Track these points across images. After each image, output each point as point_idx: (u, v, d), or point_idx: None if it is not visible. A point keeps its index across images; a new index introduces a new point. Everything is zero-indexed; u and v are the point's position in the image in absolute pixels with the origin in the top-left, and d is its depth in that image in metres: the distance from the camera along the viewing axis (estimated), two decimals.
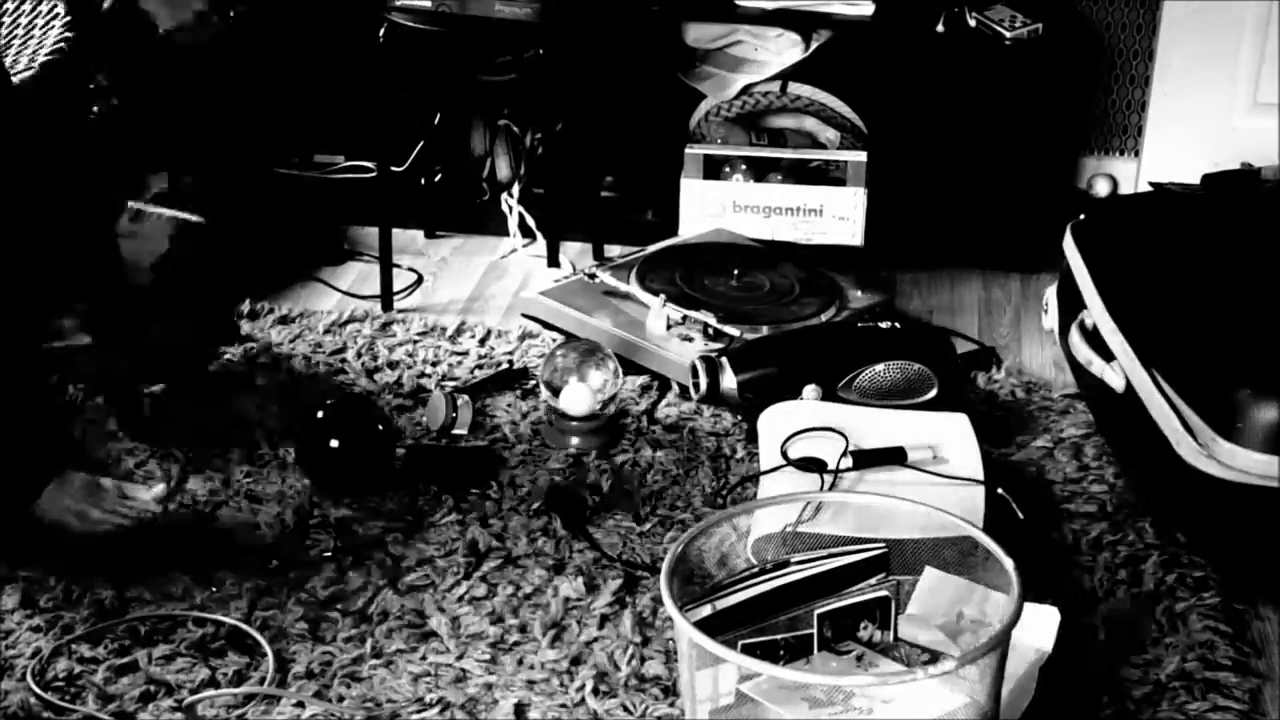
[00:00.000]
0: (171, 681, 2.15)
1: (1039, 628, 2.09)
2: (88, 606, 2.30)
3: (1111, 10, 3.69)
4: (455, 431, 2.75)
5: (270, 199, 3.64)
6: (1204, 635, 2.26)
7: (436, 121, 3.59)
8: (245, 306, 3.18)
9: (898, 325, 2.92)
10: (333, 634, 2.26)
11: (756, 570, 2.03)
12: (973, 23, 3.46)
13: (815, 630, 1.99)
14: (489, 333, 3.14)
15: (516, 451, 2.72)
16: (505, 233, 3.58)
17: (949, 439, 2.52)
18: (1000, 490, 2.42)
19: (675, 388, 2.90)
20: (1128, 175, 3.78)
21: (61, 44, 2.99)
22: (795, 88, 3.56)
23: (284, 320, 3.17)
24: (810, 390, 2.70)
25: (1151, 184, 3.67)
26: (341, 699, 2.14)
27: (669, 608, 1.84)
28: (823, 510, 2.26)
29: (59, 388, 2.88)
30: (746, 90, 3.56)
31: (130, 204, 2.89)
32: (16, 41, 3.06)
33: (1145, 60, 3.71)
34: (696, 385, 2.78)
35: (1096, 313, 2.66)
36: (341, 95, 3.64)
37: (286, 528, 2.49)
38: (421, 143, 3.59)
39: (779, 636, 1.97)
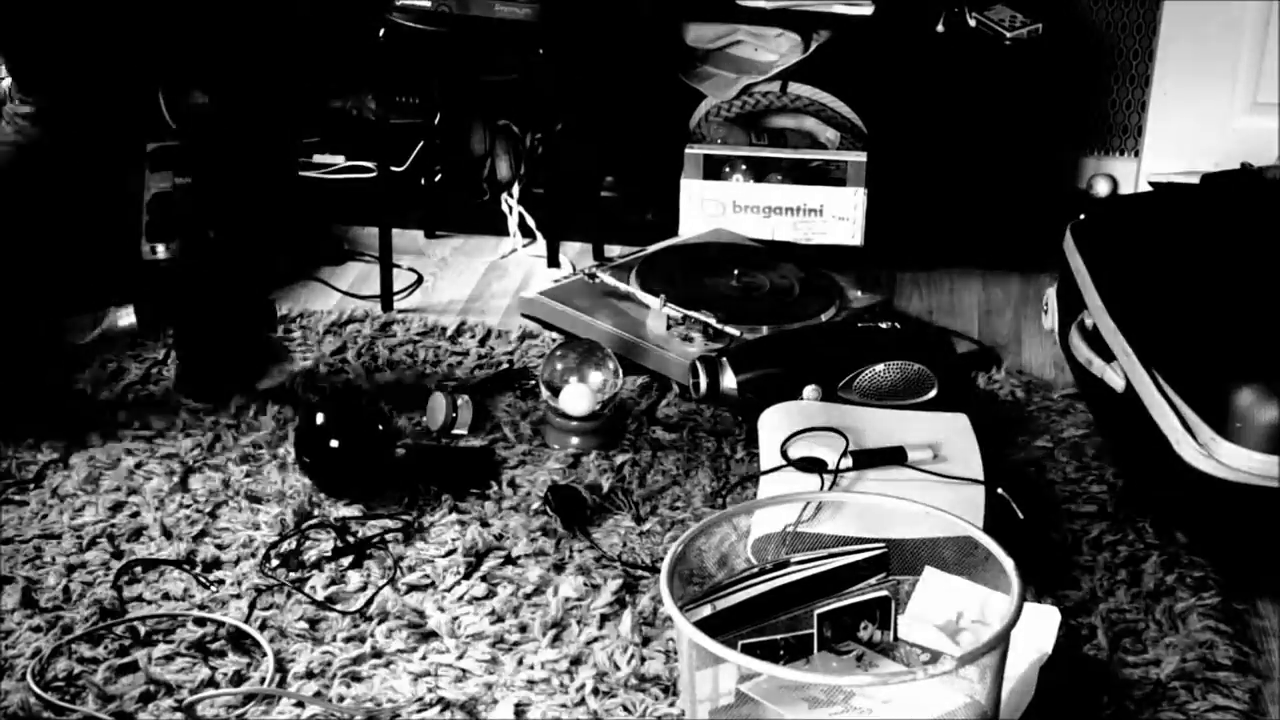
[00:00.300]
0: (171, 681, 2.15)
1: (1039, 628, 2.09)
2: (88, 606, 2.30)
3: (1111, 10, 3.69)
4: (455, 431, 2.75)
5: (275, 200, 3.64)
6: (1204, 635, 2.26)
7: (436, 121, 3.59)
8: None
9: (898, 325, 2.92)
10: (333, 634, 2.26)
11: (756, 570, 2.03)
12: (973, 23, 3.46)
13: (815, 630, 1.98)
14: (489, 333, 3.14)
15: (516, 451, 2.72)
16: (505, 233, 3.58)
17: (949, 439, 2.52)
18: (1000, 490, 2.42)
19: (675, 388, 2.90)
20: (1128, 175, 3.78)
21: None
22: (795, 88, 3.56)
23: (284, 320, 3.17)
24: (810, 390, 2.70)
25: (1151, 183, 3.67)
26: (341, 699, 2.14)
27: (669, 608, 1.84)
28: (823, 510, 2.26)
29: (67, 382, 2.88)
30: (746, 90, 3.56)
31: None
32: None
33: (1145, 60, 3.71)
34: (696, 385, 2.78)
35: (1096, 313, 2.66)
36: (342, 95, 3.64)
37: (286, 528, 2.49)
38: (421, 143, 3.59)
39: (779, 636, 1.97)
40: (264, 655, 2.20)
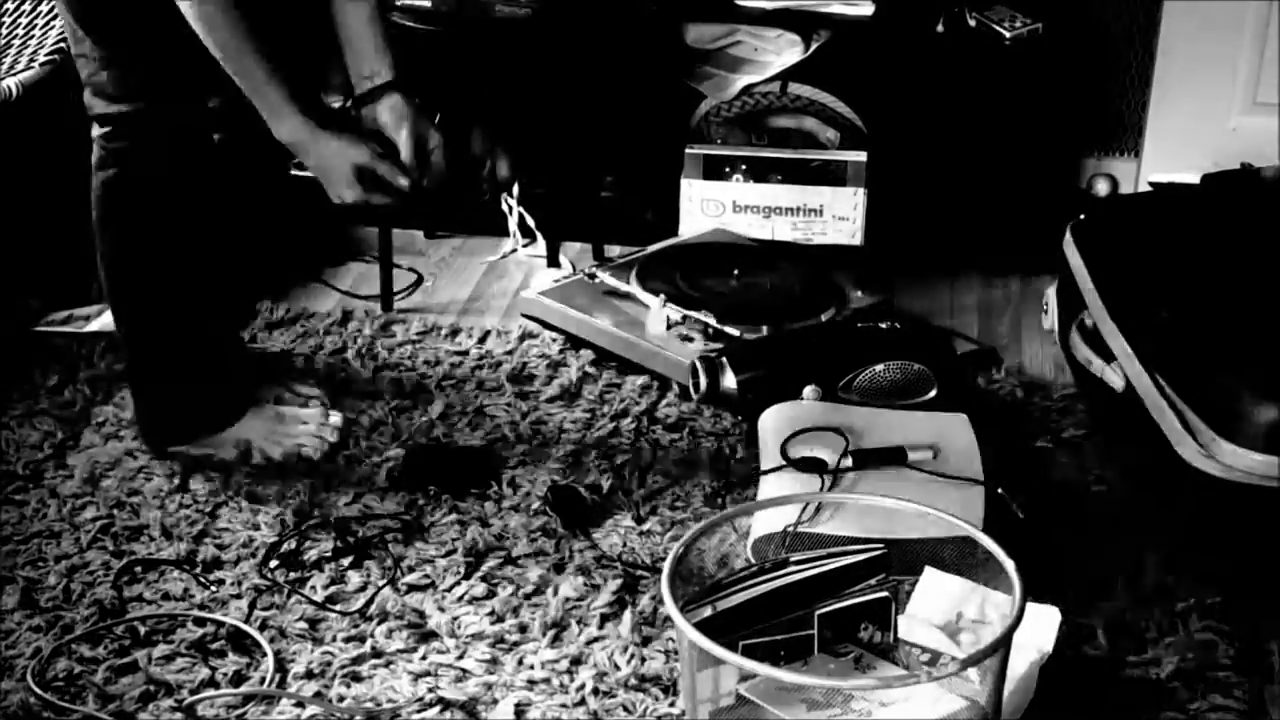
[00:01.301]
0: (171, 681, 2.15)
1: (1039, 628, 2.09)
2: (88, 606, 2.30)
3: (1111, 10, 3.69)
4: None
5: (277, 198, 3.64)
6: (1204, 635, 2.26)
7: (437, 122, 3.58)
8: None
9: (898, 325, 2.92)
10: (333, 634, 2.26)
11: (756, 570, 2.03)
12: (973, 22, 3.46)
13: (816, 631, 1.98)
14: (489, 333, 3.14)
15: (516, 451, 2.72)
16: (505, 233, 3.58)
17: (949, 439, 2.52)
18: (1000, 490, 2.42)
19: (675, 388, 2.90)
20: (1128, 175, 3.78)
21: (62, 44, 2.99)
22: (795, 88, 3.56)
23: (284, 320, 3.17)
24: (810, 390, 2.70)
25: (1151, 184, 3.67)
26: (341, 699, 2.14)
27: (670, 609, 1.84)
28: (823, 510, 2.26)
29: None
30: (746, 90, 3.56)
31: None
32: (16, 41, 3.07)
33: (1145, 60, 3.71)
34: (696, 385, 2.78)
35: (1096, 313, 2.66)
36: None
37: (286, 528, 2.49)
38: None
39: (779, 637, 1.97)
40: (264, 655, 2.20)
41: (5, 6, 3.10)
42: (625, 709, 2.12)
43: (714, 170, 3.43)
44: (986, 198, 3.49)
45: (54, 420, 2.79)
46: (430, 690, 2.15)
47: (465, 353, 3.06)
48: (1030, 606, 1.91)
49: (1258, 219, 2.82)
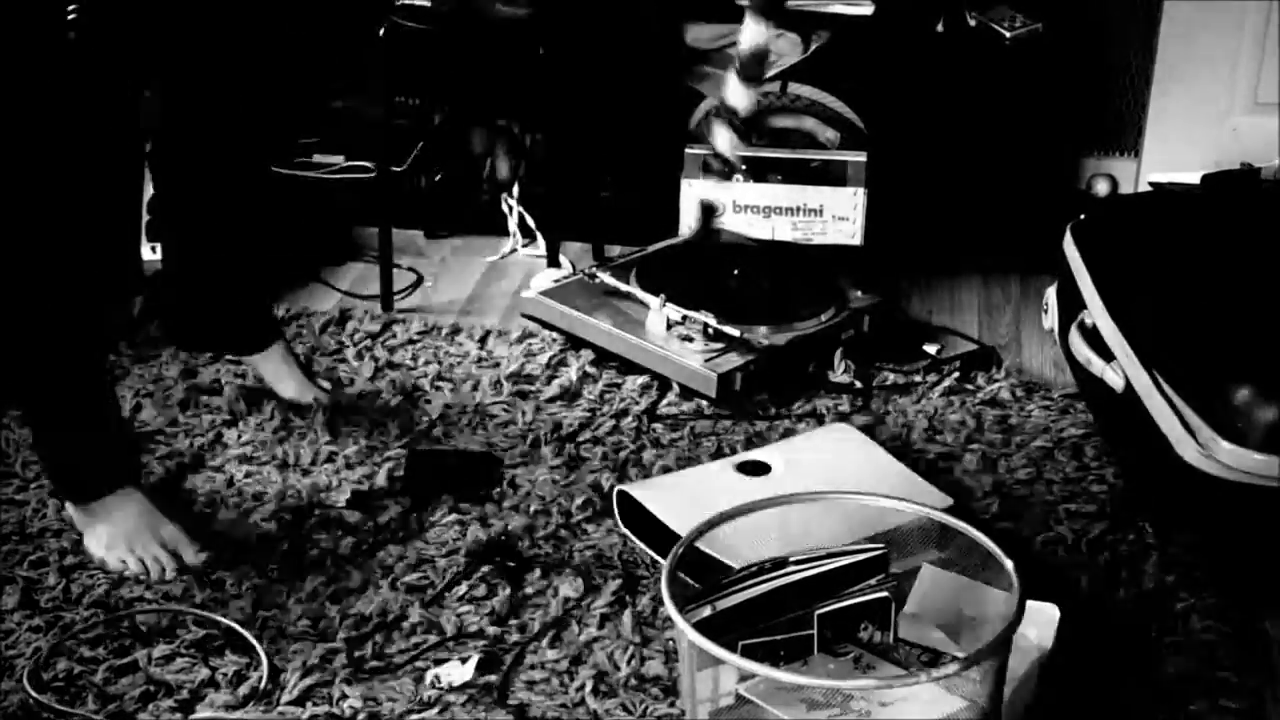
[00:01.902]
0: (171, 681, 2.15)
1: (1039, 627, 2.09)
2: (88, 606, 2.30)
3: (1111, 10, 3.69)
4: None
5: (271, 198, 3.64)
6: (1204, 635, 2.26)
7: (437, 122, 3.58)
8: None
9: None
10: (333, 634, 2.26)
11: (756, 570, 2.03)
12: (973, 22, 3.46)
13: (815, 631, 1.98)
14: (489, 333, 3.14)
15: (516, 452, 2.72)
16: (505, 233, 3.58)
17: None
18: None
19: (675, 387, 2.90)
20: (1128, 175, 3.78)
21: None
22: (795, 88, 3.56)
23: (284, 320, 3.17)
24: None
25: (1151, 184, 3.67)
26: (345, 696, 2.13)
27: (669, 609, 1.84)
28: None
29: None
30: None
31: None
32: None
33: (1145, 60, 3.71)
34: None
35: (1096, 313, 2.66)
36: (342, 95, 3.64)
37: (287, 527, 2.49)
38: (421, 143, 3.58)
39: (779, 637, 1.97)
40: (263, 656, 2.20)
41: None
42: (625, 709, 2.12)
43: (714, 170, 3.43)
44: (986, 198, 3.49)
45: None
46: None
47: (465, 353, 3.06)
48: (1030, 606, 1.92)
49: (1258, 219, 2.82)
